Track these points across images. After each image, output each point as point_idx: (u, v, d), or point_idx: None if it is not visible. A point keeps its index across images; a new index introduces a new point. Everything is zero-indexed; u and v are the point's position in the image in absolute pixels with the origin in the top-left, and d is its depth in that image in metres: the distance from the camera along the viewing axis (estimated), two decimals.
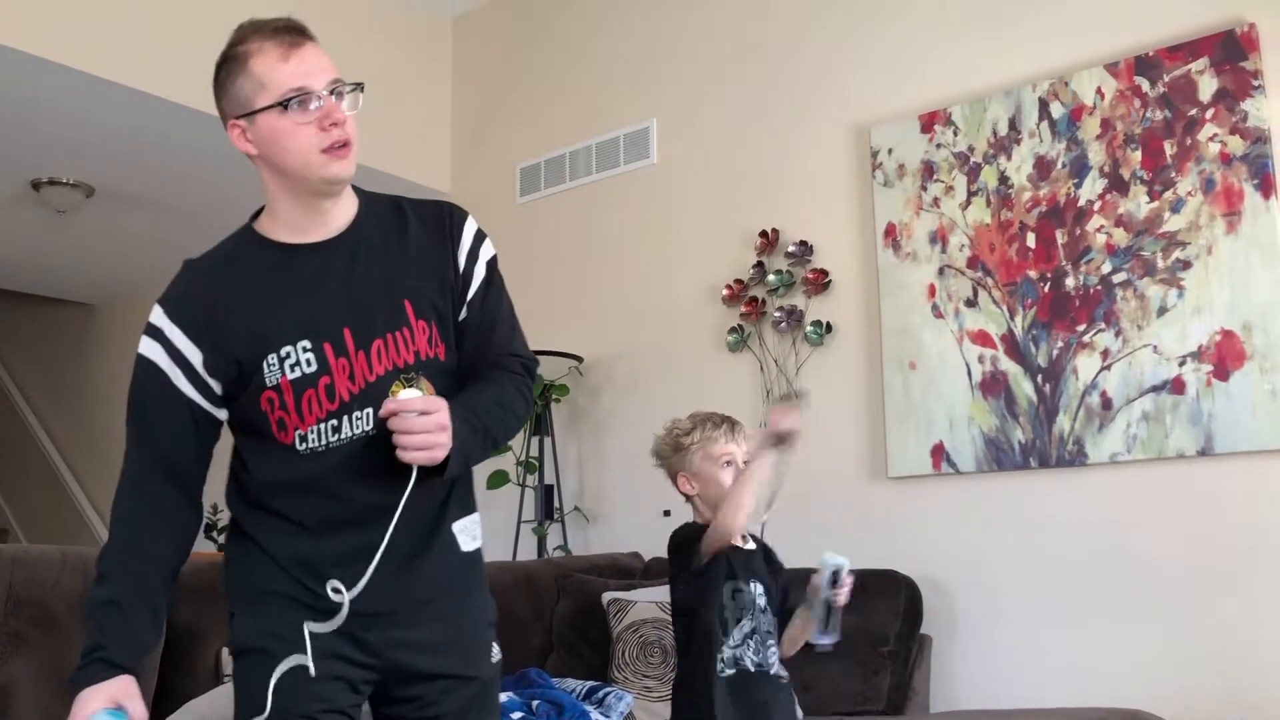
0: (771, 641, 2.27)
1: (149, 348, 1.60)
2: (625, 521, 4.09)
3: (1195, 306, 3.01)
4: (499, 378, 1.69)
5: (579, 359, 4.21)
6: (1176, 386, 3.01)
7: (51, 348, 7.37)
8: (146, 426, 1.62)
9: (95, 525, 6.63)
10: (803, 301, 3.77)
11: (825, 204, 3.79)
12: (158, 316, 1.60)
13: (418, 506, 1.58)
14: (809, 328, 3.72)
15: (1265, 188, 2.95)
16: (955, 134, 3.49)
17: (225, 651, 2.54)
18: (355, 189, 1.68)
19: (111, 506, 1.63)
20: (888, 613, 3.12)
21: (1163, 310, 3.06)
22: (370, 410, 1.57)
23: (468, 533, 1.71)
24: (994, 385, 3.30)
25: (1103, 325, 3.15)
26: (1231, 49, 3.03)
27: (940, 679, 3.25)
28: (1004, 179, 3.38)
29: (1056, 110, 3.31)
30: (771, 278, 3.82)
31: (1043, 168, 3.31)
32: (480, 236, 1.72)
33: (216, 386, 1.60)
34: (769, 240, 3.86)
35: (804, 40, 3.93)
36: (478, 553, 1.74)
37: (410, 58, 4.87)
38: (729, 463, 2.35)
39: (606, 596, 3.36)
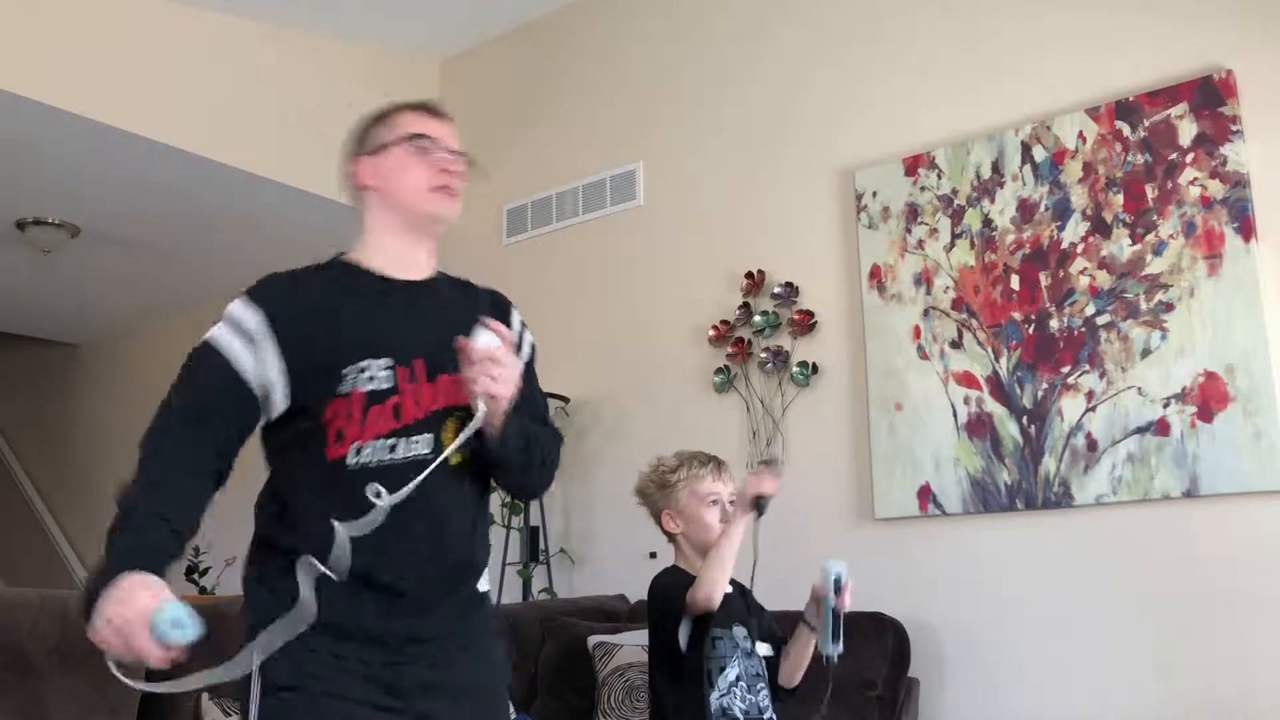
0: (761, 684, 2.24)
1: (222, 333, 1.60)
2: (611, 564, 4.06)
3: (1178, 349, 3.03)
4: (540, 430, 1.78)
5: (565, 399, 4.20)
6: (1161, 428, 3.02)
7: (33, 387, 7.32)
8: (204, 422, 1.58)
9: (74, 567, 6.55)
10: (788, 342, 3.78)
11: (810, 246, 3.81)
12: (240, 306, 1.62)
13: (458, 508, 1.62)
14: (795, 369, 3.72)
15: (1245, 231, 2.97)
16: (939, 177, 3.52)
17: (205, 697, 2.50)
18: None
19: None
20: (875, 656, 3.09)
21: (1146, 352, 3.07)
22: (428, 436, 1.61)
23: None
24: (979, 427, 3.31)
25: (1087, 367, 3.16)
26: (1210, 95, 3.07)
27: None
28: (988, 221, 3.40)
29: (1039, 154, 3.34)
30: (757, 319, 3.82)
31: (1026, 210, 3.34)
32: (524, 325, 1.86)
33: (283, 385, 1.60)
34: (755, 281, 3.87)
35: (788, 84, 3.97)
36: (488, 594, 1.76)
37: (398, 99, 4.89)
38: (715, 501, 2.34)
39: (592, 640, 3.33)
